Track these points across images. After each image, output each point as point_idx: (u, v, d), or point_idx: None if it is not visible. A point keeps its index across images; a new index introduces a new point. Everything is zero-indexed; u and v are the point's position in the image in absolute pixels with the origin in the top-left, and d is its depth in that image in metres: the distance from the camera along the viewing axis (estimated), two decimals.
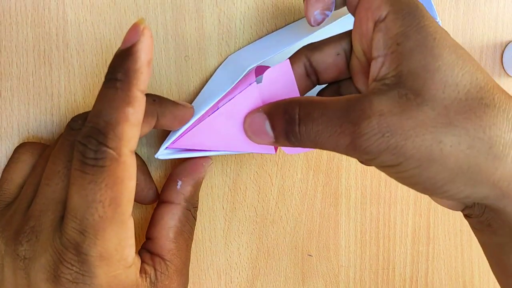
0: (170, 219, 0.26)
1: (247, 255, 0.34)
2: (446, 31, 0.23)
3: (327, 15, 0.26)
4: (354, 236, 0.37)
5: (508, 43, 0.39)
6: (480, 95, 0.21)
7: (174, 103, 0.26)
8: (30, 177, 0.25)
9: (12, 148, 0.27)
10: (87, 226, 0.20)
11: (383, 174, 0.37)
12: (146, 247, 0.26)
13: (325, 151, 0.35)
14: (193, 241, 0.32)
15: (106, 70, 0.28)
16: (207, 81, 0.31)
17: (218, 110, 0.26)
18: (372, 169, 0.37)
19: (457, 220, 0.40)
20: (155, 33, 0.29)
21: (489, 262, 0.27)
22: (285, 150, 0.29)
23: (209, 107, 0.26)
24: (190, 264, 0.32)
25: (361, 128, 0.21)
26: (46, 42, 0.27)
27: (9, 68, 0.27)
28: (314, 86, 0.28)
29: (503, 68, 0.39)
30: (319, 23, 0.26)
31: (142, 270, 0.24)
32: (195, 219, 0.28)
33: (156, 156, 0.27)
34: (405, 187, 0.38)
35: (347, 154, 0.23)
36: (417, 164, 0.21)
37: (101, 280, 0.21)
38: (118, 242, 0.21)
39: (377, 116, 0.21)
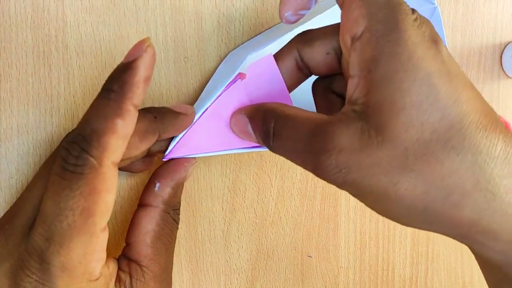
0: (148, 223, 0.26)
1: (247, 256, 0.34)
2: (428, 52, 0.20)
3: (302, 15, 0.25)
4: (353, 237, 0.37)
5: (507, 44, 0.39)
6: (448, 136, 0.19)
7: (175, 115, 0.25)
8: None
9: (11, 150, 0.27)
10: (54, 234, 0.20)
11: None
12: (124, 253, 0.26)
13: None
14: (193, 242, 0.32)
15: (105, 71, 0.28)
16: (206, 82, 0.31)
17: (206, 111, 0.26)
18: None
19: None
20: (154, 35, 0.29)
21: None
22: None
23: (206, 107, 0.26)
24: (189, 265, 0.32)
25: (320, 161, 0.21)
26: (45, 43, 0.27)
27: (9, 70, 0.27)
28: (307, 78, 0.27)
29: (502, 69, 0.39)
30: (292, 23, 0.25)
31: (117, 278, 0.24)
32: (177, 222, 0.27)
33: (163, 159, 0.27)
34: None
35: (317, 176, 0.23)
36: (375, 199, 0.21)
37: None
38: (83, 254, 0.20)
39: (336, 151, 0.20)
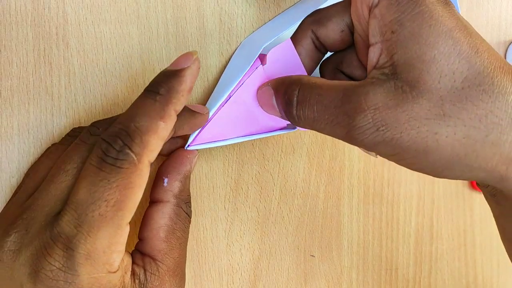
0: (161, 218, 0.26)
1: (249, 255, 0.34)
2: (445, 10, 0.22)
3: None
4: (356, 237, 0.37)
5: None
6: (478, 81, 0.21)
7: (191, 113, 0.26)
8: (32, 173, 0.25)
9: (12, 149, 0.27)
10: (83, 222, 0.20)
11: (385, 174, 0.37)
12: (138, 248, 0.26)
13: (327, 150, 0.35)
14: (195, 242, 0.32)
15: (107, 69, 0.28)
16: (208, 79, 0.31)
17: (230, 98, 0.27)
18: (375, 169, 0.37)
19: (461, 220, 0.40)
20: (155, 32, 0.29)
21: (497, 226, 0.28)
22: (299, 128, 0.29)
23: (225, 97, 0.27)
24: (192, 265, 0.32)
25: (356, 121, 0.21)
26: (46, 41, 0.27)
27: (9, 68, 0.27)
28: (324, 55, 0.28)
29: None
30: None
31: (132, 272, 0.24)
32: (189, 215, 0.27)
33: (186, 148, 0.28)
34: (407, 187, 0.38)
35: (345, 141, 0.23)
36: (414, 154, 0.21)
37: (82, 280, 0.21)
38: (108, 244, 0.21)
39: (372, 110, 0.21)
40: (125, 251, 0.24)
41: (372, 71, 0.23)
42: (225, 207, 0.33)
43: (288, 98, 0.24)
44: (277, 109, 0.25)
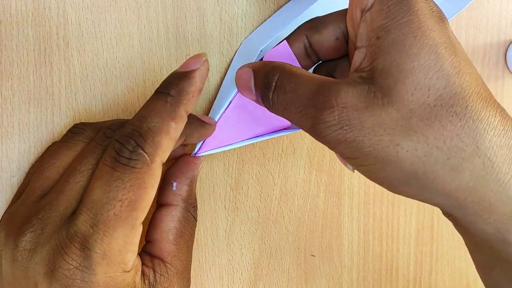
0: (170, 221, 0.26)
1: (250, 255, 0.34)
2: (436, 25, 0.21)
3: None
4: (357, 236, 0.37)
5: None
6: (452, 102, 0.20)
7: (201, 123, 0.27)
8: (37, 172, 0.25)
9: (12, 148, 0.27)
10: (99, 221, 0.21)
11: None
12: (146, 250, 0.26)
13: (327, 150, 0.35)
14: (195, 241, 0.32)
15: (107, 69, 0.28)
16: (209, 79, 0.31)
17: (231, 104, 0.27)
18: None
19: None
20: (155, 32, 0.29)
21: (472, 258, 0.27)
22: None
23: (227, 103, 0.27)
24: (192, 265, 0.32)
25: (322, 116, 0.21)
26: (46, 41, 0.27)
27: (10, 68, 0.27)
28: (314, 65, 0.28)
29: (507, 66, 0.39)
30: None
31: (141, 272, 0.24)
32: (196, 219, 0.28)
33: (194, 155, 0.28)
34: None
35: (311, 135, 0.23)
36: (373, 161, 0.21)
37: (99, 279, 0.21)
38: (123, 244, 0.21)
39: (340, 107, 0.21)
40: None
41: (351, 74, 0.22)
42: (225, 207, 0.33)
43: (268, 81, 0.23)
44: (253, 91, 0.25)
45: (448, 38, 0.21)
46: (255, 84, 0.25)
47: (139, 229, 0.22)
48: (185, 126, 0.25)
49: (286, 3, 0.32)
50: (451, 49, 0.21)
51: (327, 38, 0.26)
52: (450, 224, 0.39)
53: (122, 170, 0.21)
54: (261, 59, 0.27)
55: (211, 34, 0.30)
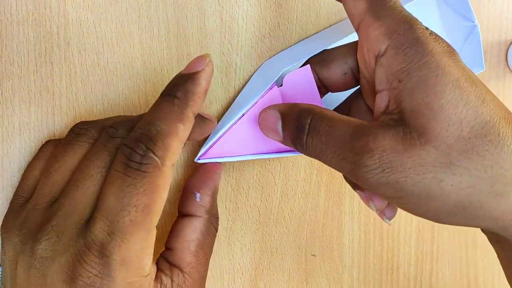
0: (192, 232, 0.26)
1: (250, 255, 0.34)
2: (450, 60, 0.22)
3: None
4: (357, 236, 0.37)
5: None
6: (484, 132, 0.21)
7: (202, 118, 0.27)
8: (43, 177, 0.25)
9: (13, 148, 0.27)
10: (116, 228, 0.21)
11: None
12: (165, 257, 0.26)
13: None
14: None
15: (107, 69, 0.28)
16: None
17: (243, 116, 0.27)
18: None
19: None
20: (156, 32, 0.29)
21: (503, 269, 0.28)
22: None
23: (239, 115, 0.27)
24: None
25: (363, 160, 0.21)
26: (47, 41, 0.27)
27: (10, 67, 0.27)
28: (324, 95, 0.28)
29: (508, 66, 0.39)
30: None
31: (159, 280, 0.24)
32: (217, 231, 0.28)
33: (195, 160, 0.28)
34: None
35: (350, 177, 0.23)
36: (417, 199, 0.22)
37: (118, 285, 0.21)
38: (140, 249, 0.21)
39: (380, 151, 0.21)
40: None
41: (381, 116, 0.23)
42: (226, 207, 0.33)
43: (300, 124, 0.24)
44: (280, 134, 0.25)
45: (464, 71, 0.22)
46: (283, 126, 0.25)
47: (154, 232, 0.22)
48: None
49: (287, 4, 0.32)
50: (470, 81, 0.22)
51: (335, 72, 0.26)
52: None
53: (134, 175, 0.21)
54: (282, 79, 0.28)
55: (212, 34, 0.30)
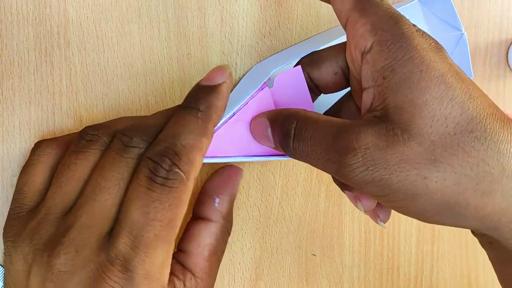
0: (208, 237, 0.26)
1: (251, 255, 0.34)
2: (436, 56, 0.22)
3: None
4: (358, 236, 0.37)
5: None
6: (470, 127, 0.21)
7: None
8: (54, 185, 0.23)
9: (13, 147, 0.27)
10: (140, 243, 0.20)
11: None
12: (178, 259, 0.26)
13: None
14: None
15: (108, 68, 0.28)
16: None
17: (233, 116, 0.27)
18: None
19: None
20: (157, 31, 0.29)
21: (495, 272, 0.27)
22: None
23: (229, 115, 0.27)
24: None
25: (346, 159, 0.21)
26: (47, 40, 0.27)
27: (10, 67, 0.27)
28: (317, 97, 0.28)
29: (508, 65, 0.39)
30: None
31: (171, 283, 0.24)
32: (229, 236, 0.28)
33: None
34: None
35: (337, 178, 0.23)
36: (403, 197, 0.21)
37: None
38: (162, 261, 0.21)
39: (363, 149, 0.21)
40: None
41: (365, 114, 0.23)
42: None
43: (286, 130, 0.24)
44: (271, 140, 0.25)
45: (451, 66, 0.22)
46: (272, 133, 0.25)
47: (173, 244, 0.22)
48: None
49: (288, 3, 0.32)
50: (456, 76, 0.21)
51: (326, 72, 0.26)
52: None
53: (160, 190, 0.21)
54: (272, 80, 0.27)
55: (212, 33, 0.30)
